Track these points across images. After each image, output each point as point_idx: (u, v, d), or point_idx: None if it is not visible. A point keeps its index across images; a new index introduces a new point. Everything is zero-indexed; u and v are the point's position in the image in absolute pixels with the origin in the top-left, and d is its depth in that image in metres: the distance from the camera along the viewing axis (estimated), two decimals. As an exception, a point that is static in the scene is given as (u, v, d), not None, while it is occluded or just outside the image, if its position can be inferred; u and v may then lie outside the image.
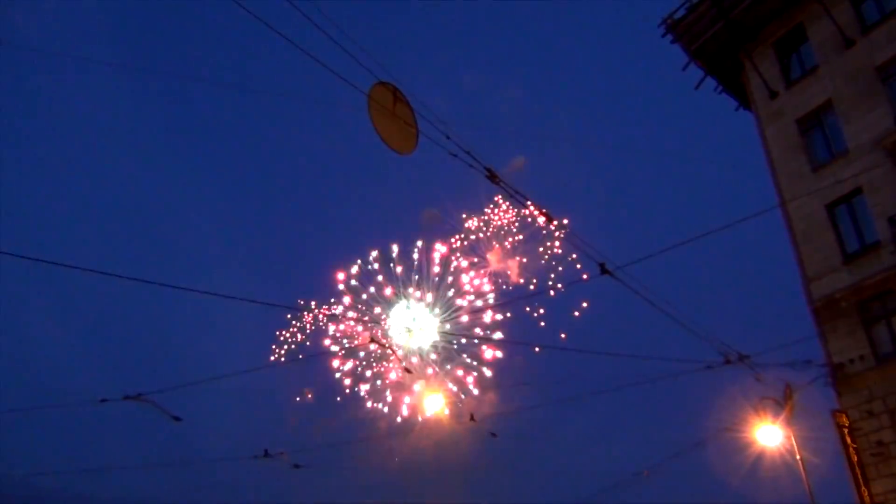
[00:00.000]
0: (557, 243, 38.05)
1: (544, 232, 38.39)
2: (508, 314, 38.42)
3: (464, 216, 40.65)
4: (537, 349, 36.05)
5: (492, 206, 40.22)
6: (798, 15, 23.38)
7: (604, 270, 13.77)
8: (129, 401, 16.16)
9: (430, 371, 38.83)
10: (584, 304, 34.95)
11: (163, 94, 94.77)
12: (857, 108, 21.25)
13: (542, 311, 38.34)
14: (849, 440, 19.06)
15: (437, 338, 38.84)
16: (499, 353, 38.36)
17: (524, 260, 39.50)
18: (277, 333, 40.43)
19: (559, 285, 37.54)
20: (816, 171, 21.97)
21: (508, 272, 39.53)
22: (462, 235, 40.09)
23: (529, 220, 38.70)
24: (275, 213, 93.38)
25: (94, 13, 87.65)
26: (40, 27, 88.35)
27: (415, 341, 38.89)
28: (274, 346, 40.47)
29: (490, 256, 39.93)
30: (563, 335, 36.30)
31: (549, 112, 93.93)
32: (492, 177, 11.56)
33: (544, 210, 12.20)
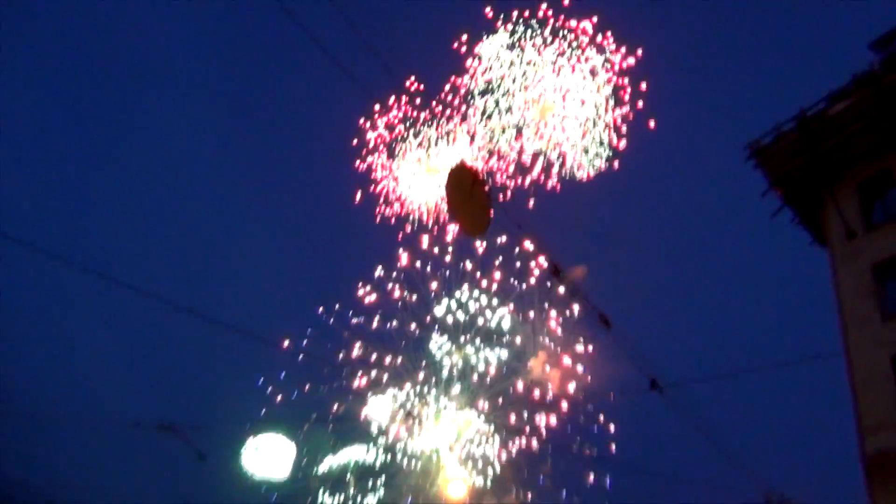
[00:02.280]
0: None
1: (595, 339, 37.58)
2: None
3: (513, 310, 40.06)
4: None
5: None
6: (890, 160, 22.87)
7: (654, 386, 13.47)
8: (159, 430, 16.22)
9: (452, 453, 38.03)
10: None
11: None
12: (937, 264, 20.66)
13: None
14: None
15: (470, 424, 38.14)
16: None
17: (570, 369, 38.63)
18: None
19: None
20: (886, 321, 21.22)
21: (549, 382, 38.70)
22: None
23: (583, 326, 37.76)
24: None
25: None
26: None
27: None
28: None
29: (532, 363, 39.10)
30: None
31: (617, 213, 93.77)
32: (555, 272, 11.51)
33: (603, 314, 12.06)
